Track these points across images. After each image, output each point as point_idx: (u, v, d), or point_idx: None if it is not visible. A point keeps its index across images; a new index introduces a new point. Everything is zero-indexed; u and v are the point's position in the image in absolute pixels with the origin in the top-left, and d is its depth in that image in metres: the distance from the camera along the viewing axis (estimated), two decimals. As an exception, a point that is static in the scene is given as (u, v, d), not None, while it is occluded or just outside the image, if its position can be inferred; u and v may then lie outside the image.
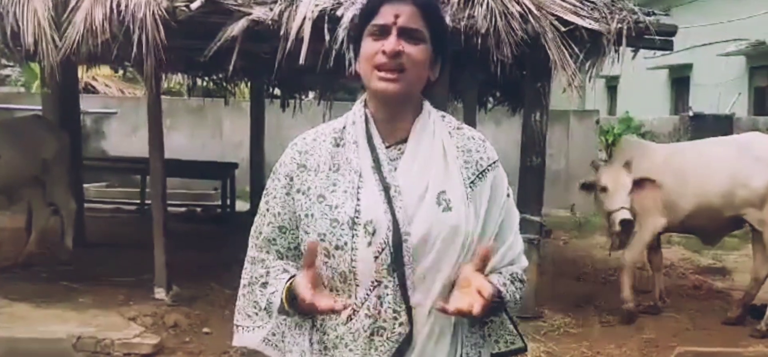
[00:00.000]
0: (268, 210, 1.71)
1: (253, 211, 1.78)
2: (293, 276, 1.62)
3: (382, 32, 1.59)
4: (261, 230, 1.72)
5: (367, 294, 1.58)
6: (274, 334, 1.73)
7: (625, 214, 5.54)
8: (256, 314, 1.74)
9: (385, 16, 1.59)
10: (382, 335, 1.58)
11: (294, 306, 1.59)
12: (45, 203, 7.08)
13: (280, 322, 1.70)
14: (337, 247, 1.57)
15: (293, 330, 1.69)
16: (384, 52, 1.57)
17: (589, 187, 5.93)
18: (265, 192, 1.73)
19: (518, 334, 1.72)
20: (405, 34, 1.58)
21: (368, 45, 1.61)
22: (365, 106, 1.68)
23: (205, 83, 10.27)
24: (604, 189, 5.71)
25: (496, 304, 1.60)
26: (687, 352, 4.91)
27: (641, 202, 5.72)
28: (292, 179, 1.66)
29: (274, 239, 1.70)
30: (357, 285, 1.58)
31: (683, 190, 5.75)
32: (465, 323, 1.66)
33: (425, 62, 1.62)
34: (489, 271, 1.65)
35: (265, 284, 1.69)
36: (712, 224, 5.97)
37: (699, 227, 6.10)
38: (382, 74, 1.58)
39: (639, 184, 5.66)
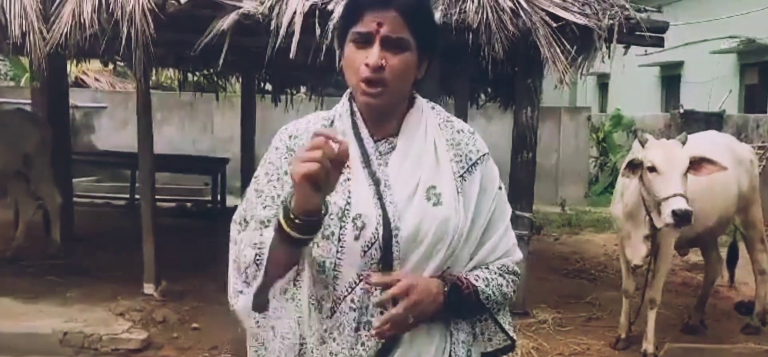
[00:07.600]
0: (261, 194, 1.62)
1: (244, 207, 1.70)
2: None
3: (365, 40, 1.55)
4: (253, 214, 1.62)
5: (350, 287, 1.55)
6: (262, 314, 1.60)
7: (681, 203, 4.17)
8: (245, 282, 1.59)
9: (367, 24, 1.54)
10: (368, 329, 1.56)
11: (288, 218, 1.42)
12: (30, 196, 7.02)
13: (266, 291, 1.56)
14: (323, 237, 1.54)
15: (279, 296, 1.57)
16: (367, 65, 1.53)
17: (635, 166, 4.50)
18: (255, 178, 1.67)
19: (502, 330, 1.69)
20: (388, 43, 1.54)
21: (351, 52, 1.57)
22: (351, 99, 1.65)
23: (195, 78, 10.23)
24: (652, 168, 4.35)
25: (466, 301, 1.59)
26: (675, 348, 4.92)
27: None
28: (285, 162, 1.61)
29: (272, 220, 1.56)
30: (337, 277, 1.55)
31: (710, 196, 4.90)
32: (460, 321, 1.64)
33: (409, 71, 1.59)
34: (480, 265, 1.65)
35: (254, 244, 1.55)
36: (717, 234, 5.49)
37: (698, 241, 5.44)
38: (365, 88, 1.55)
39: (696, 165, 4.41)
